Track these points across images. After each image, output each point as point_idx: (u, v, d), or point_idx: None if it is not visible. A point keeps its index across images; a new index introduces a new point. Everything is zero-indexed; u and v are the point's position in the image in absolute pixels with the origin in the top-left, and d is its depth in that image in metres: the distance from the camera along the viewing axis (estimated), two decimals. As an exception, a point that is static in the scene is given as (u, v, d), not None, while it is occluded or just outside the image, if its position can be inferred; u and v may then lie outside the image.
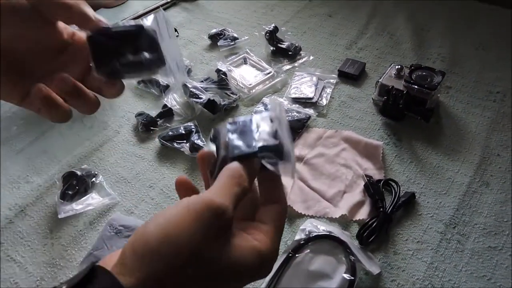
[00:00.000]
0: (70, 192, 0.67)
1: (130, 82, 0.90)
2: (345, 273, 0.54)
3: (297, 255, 0.57)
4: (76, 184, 0.68)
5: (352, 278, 0.54)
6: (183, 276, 0.24)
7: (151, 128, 0.79)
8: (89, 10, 0.31)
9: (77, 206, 0.65)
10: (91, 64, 0.32)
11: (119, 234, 0.60)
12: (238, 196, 0.27)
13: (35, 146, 0.78)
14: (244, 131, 0.31)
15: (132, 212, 0.67)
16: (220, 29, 1.02)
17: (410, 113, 0.77)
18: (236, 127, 0.31)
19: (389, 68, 0.81)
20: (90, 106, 0.32)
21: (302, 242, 0.57)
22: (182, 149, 0.74)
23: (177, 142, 0.75)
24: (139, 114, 0.81)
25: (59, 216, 0.64)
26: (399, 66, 0.79)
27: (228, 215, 0.26)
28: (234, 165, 0.29)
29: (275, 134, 0.30)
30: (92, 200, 0.67)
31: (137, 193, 0.70)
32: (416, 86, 0.75)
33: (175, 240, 0.24)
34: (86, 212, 0.66)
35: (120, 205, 0.68)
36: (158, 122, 0.80)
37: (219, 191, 0.27)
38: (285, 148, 0.30)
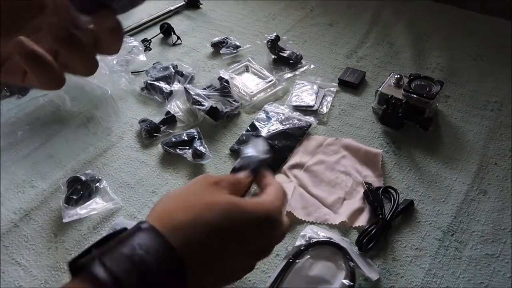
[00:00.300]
0: (74, 197, 0.68)
1: (134, 89, 0.91)
2: (344, 279, 0.55)
3: (297, 260, 0.58)
4: (80, 189, 0.69)
5: (352, 284, 0.55)
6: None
7: (154, 134, 0.81)
8: None
9: (81, 210, 0.66)
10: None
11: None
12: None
13: (40, 151, 0.79)
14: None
15: (135, 217, 0.68)
16: (222, 37, 1.03)
17: (409, 121, 0.78)
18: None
19: (389, 77, 0.82)
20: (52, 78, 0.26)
21: (303, 248, 0.59)
22: (184, 155, 0.75)
23: (179, 148, 0.76)
24: (143, 121, 0.83)
25: (64, 220, 0.65)
26: (398, 76, 0.80)
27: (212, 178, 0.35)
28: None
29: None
30: (96, 205, 0.68)
31: (140, 198, 0.71)
32: (415, 96, 0.77)
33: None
34: (90, 217, 0.67)
35: (123, 210, 0.69)
36: (161, 129, 0.82)
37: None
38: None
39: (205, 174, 0.33)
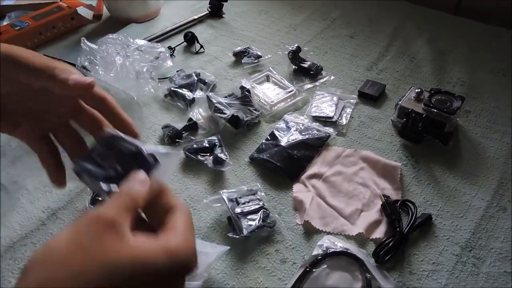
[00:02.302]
0: (99, 199, 0.70)
1: (157, 95, 0.94)
2: (360, 290, 0.56)
3: (314, 270, 0.59)
4: (105, 191, 0.72)
5: (368, 295, 0.55)
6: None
7: (177, 140, 0.83)
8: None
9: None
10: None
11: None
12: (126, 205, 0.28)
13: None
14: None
15: (156, 220, 0.70)
16: (244, 47, 1.06)
17: (428, 136, 0.78)
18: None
19: (409, 91, 0.83)
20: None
21: (320, 257, 0.59)
22: (205, 162, 0.77)
23: (201, 155, 0.79)
24: (165, 127, 0.85)
25: (89, 221, 0.68)
26: (419, 90, 0.81)
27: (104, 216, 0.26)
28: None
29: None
30: (119, 207, 0.70)
31: (161, 202, 0.73)
32: (435, 110, 0.77)
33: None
34: (113, 218, 0.70)
35: (145, 213, 0.71)
36: (183, 135, 0.84)
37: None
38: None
39: (96, 213, 0.26)
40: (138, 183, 0.31)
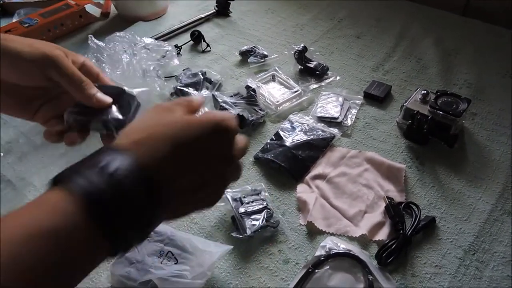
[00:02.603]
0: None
1: (163, 94, 0.95)
2: (363, 291, 0.56)
3: (316, 270, 0.59)
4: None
5: (370, 297, 0.56)
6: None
7: (182, 139, 0.84)
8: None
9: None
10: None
11: (148, 239, 0.64)
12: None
13: (75, 151, 0.83)
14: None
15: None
16: (250, 46, 1.06)
17: (434, 138, 0.78)
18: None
19: (415, 93, 0.83)
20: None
21: (322, 258, 0.60)
22: (210, 161, 0.78)
23: (206, 154, 0.79)
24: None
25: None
26: (425, 91, 0.81)
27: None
28: None
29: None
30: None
31: (166, 200, 0.74)
32: (441, 112, 0.77)
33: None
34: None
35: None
36: (189, 134, 0.84)
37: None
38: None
39: (157, 104, 0.35)
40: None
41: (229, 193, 0.70)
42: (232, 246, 0.63)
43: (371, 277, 0.57)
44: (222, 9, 1.23)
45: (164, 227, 0.66)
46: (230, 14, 1.24)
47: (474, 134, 0.82)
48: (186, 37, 1.13)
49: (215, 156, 0.34)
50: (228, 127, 0.34)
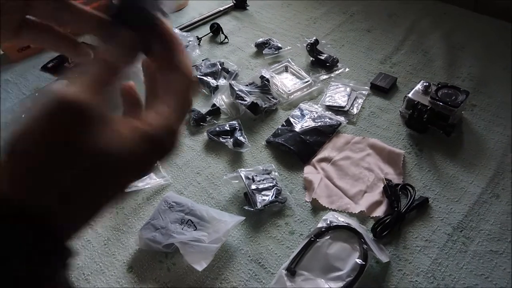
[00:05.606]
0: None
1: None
2: (358, 258, 0.64)
3: (318, 240, 0.67)
4: (138, 166, 0.82)
5: (364, 263, 0.63)
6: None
7: (201, 123, 0.92)
8: None
9: (139, 183, 0.79)
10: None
11: (171, 209, 0.73)
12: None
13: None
14: None
15: (182, 193, 0.79)
16: (266, 39, 1.13)
17: (433, 126, 0.84)
18: None
19: (418, 84, 0.89)
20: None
21: (323, 229, 0.68)
22: (226, 144, 0.86)
23: (222, 137, 0.87)
24: (191, 111, 0.94)
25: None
26: (427, 83, 0.86)
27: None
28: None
29: None
30: (150, 180, 0.80)
31: (186, 177, 0.82)
32: (440, 103, 0.83)
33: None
34: (145, 189, 0.80)
35: (172, 186, 0.81)
36: (207, 119, 0.93)
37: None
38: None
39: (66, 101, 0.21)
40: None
41: (242, 172, 0.78)
42: (244, 218, 0.71)
43: (366, 246, 0.65)
44: (240, 2, 1.30)
45: (184, 200, 0.75)
46: (247, 7, 1.31)
47: (472, 124, 0.88)
48: (206, 29, 1.21)
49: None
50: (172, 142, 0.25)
